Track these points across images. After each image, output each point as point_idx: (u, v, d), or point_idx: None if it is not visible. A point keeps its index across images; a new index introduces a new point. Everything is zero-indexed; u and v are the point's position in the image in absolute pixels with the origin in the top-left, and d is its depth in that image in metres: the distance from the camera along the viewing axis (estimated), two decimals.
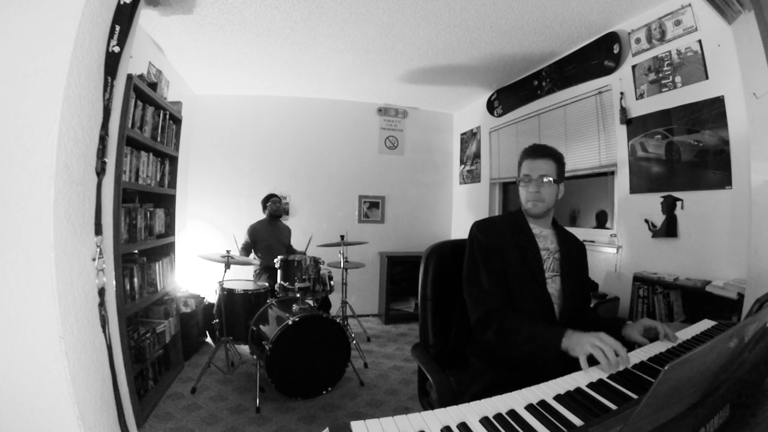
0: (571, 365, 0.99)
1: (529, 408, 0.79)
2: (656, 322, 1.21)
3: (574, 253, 1.42)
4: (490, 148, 4.47)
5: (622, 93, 2.73)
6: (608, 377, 0.92)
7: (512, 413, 0.77)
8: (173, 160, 3.04)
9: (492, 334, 1.21)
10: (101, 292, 1.36)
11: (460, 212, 5.14)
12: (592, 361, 0.96)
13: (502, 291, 1.28)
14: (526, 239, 1.35)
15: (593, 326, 1.35)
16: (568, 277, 1.36)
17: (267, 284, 3.29)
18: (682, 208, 2.37)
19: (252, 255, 3.84)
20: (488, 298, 1.26)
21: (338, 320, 2.79)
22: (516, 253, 1.32)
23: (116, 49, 1.36)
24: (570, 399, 0.83)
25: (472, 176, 4.85)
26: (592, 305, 2.10)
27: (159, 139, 2.74)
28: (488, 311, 1.24)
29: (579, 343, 1.00)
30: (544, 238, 1.39)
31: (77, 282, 1.26)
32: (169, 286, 2.88)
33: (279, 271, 3.03)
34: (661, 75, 2.47)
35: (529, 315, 1.25)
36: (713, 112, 2.18)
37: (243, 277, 3.68)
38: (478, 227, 1.39)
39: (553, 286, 1.33)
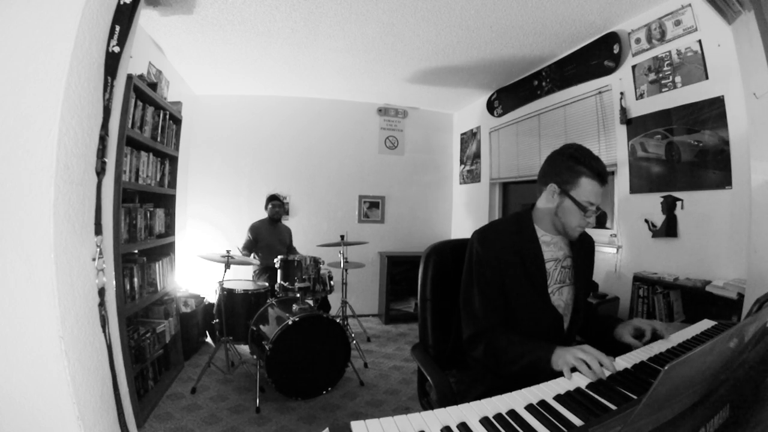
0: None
1: (529, 408, 0.79)
2: (647, 324, 1.19)
3: (584, 255, 1.35)
4: (490, 148, 4.47)
5: (622, 93, 2.73)
6: (608, 377, 0.92)
7: (512, 413, 0.77)
8: (173, 160, 3.04)
9: (481, 353, 1.19)
10: (101, 292, 1.36)
11: (460, 212, 5.14)
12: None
13: (495, 311, 1.22)
14: (531, 250, 1.25)
15: (590, 322, 1.35)
16: (581, 287, 1.31)
17: (267, 284, 3.30)
18: (682, 208, 2.37)
19: (252, 254, 3.84)
20: (478, 319, 1.22)
21: (338, 320, 2.79)
22: (518, 265, 1.23)
23: (116, 49, 1.36)
24: (570, 399, 0.83)
25: (472, 176, 4.85)
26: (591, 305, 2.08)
27: (159, 139, 2.74)
28: (476, 332, 1.21)
29: (562, 356, 1.00)
30: (553, 246, 1.29)
31: (77, 282, 1.26)
32: (169, 286, 2.88)
33: (279, 271, 3.03)
34: (661, 75, 2.47)
35: (533, 329, 1.21)
36: (713, 112, 2.18)
37: (243, 277, 3.68)
38: (478, 238, 1.27)
39: (560, 297, 1.27)
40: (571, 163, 1.19)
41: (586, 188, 1.17)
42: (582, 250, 1.34)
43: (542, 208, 1.28)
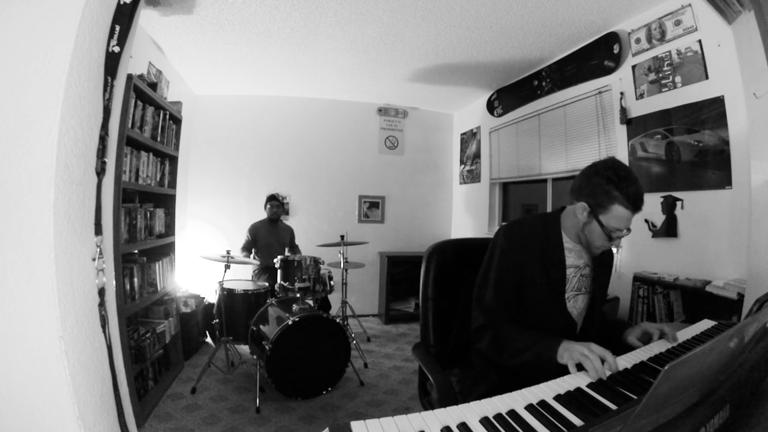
0: (566, 372, 0.99)
1: (529, 408, 0.79)
2: (655, 328, 1.20)
3: (604, 266, 1.35)
4: (490, 148, 4.47)
5: (622, 93, 2.73)
6: (608, 377, 0.92)
7: (512, 413, 0.77)
8: (173, 160, 3.04)
9: (486, 344, 1.20)
10: (101, 292, 1.36)
11: (460, 212, 5.14)
12: (580, 368, 0.97)
13: (506, 306, 1.23)
14: (554, 254, 1.25)
15: (599, 326, 1.36)
16: (597, 296, 1.31)
17: (267, 284, 3.30)
18: (682, 208, 2.37)
19: (252, 255, 3.84)
20: (489, 312, 1.23)
21: (338, 320, 2.79)
22: (539, 267, 1.23)
23: (116, 49, 1.36)
24: (570, 399, 0.83)
25: (472, 176, 4.85)
26: None
27: (159, 139, 2.74)
28: (485, 324, 1.23)
29: (568, 350, 1.01)
30: (575, 253, 1.28)
31: (77, 282, 1.26)
32: (169, 286, 2.88)
33: (279, 271, 3.03)
34: (661, 75, 2.47)
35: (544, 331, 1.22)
36: (713, 112, 2.18)
37: (243, 277, 3.68)
38: (505, 233, 1.27)
39: (574, 305, 1.28)
40: (609, 187, 1.14)
41: (617, 215, 1.14)
42: (602, 261, 1.34)
43: (571, 218, 1.26)
